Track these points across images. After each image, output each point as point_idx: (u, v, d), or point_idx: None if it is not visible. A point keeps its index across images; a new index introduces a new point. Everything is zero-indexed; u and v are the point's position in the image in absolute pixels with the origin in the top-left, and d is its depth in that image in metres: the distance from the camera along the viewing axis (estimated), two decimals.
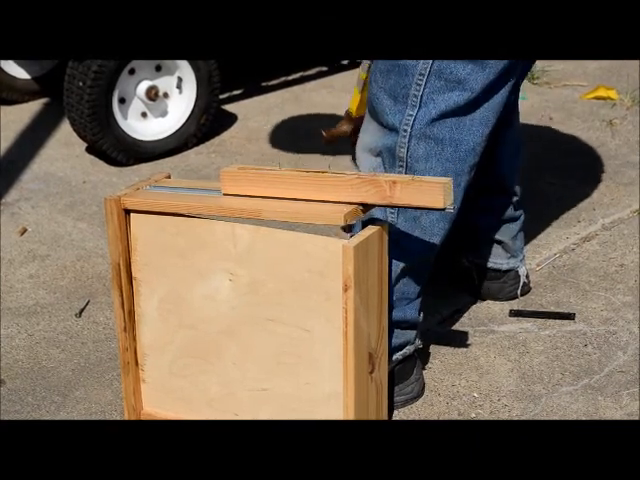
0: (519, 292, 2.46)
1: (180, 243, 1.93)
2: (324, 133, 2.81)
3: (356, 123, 2.85)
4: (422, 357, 2.23)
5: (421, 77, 1.95)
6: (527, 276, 2.47)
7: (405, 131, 1.99)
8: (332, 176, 1.85)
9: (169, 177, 2.03)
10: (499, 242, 2.42)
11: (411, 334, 2.11)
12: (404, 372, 2.12)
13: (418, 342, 2.13)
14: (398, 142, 2.00)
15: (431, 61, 1.94)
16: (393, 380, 2.10)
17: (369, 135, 2.07)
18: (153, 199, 1.94)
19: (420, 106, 1.97)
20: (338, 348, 1.83)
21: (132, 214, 1.95)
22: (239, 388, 1.95)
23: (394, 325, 2.06)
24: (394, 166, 2.01)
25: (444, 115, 1.97)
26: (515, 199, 2.40)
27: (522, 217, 2.44)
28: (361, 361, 1.85)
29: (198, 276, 1.93)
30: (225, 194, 1.92)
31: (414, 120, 1.98)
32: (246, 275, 1.89)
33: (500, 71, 1.95)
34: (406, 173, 1.99)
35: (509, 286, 2.45)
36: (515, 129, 2.35)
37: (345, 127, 2.76)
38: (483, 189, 2.33)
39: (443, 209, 1.79)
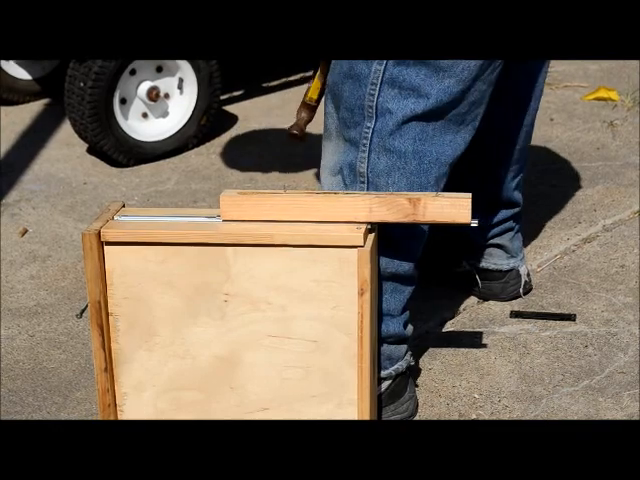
0: (522, 290, 2.45)
1: (166, 271, 1.83)
2: (294, 131, 2.72)
3: (315, 110, 2.73)
4: (423, 358, 2.23)
5: (373, 86, 1.88)
6: (528, 274, 2.47)
7: (365, 145, 1.91)
8: (347, 196, 1.81)
9: (124, 206, 1.90)
10: (498, 246, 2.41)
11: (401, 350, 2.06)
12: (398, 390, 2.08)
13: (409, 358, 2.09)
14: (358, 157, 1.92)
15: (382, 69, 1.87)
16: (389, 398, 2.06)
17: (329, 154, 1.99)
18: (146, 230, 1.81)
19: (377, 117, 1.89)
20: (348, 356, 1.82)
21: (106, 247, 1.82)
22: (238, 412, 1.89)
23: (383, 340, 2.01)
24: (355, 182, 1.94)
25: (404, 125, 1.89)
26: (517, 210, 2.38)
27: (520, 222, 2.43)
28: (371, 366, 1.85)
29: (188, 302, 1.85)
30: (225, 220, 1.83)
31: (372, 133, 1.90)
32: (243, 294, 1.83)
33: (460, 77, 1.87)
34: (368, 189, 1.93)
35: (511, 285, 2.44)
36: (521, 147, 2.29)
37: (305, 115, 2.66)
38: (487, 206, 2.30)
39: (469, 224, 1.80)
